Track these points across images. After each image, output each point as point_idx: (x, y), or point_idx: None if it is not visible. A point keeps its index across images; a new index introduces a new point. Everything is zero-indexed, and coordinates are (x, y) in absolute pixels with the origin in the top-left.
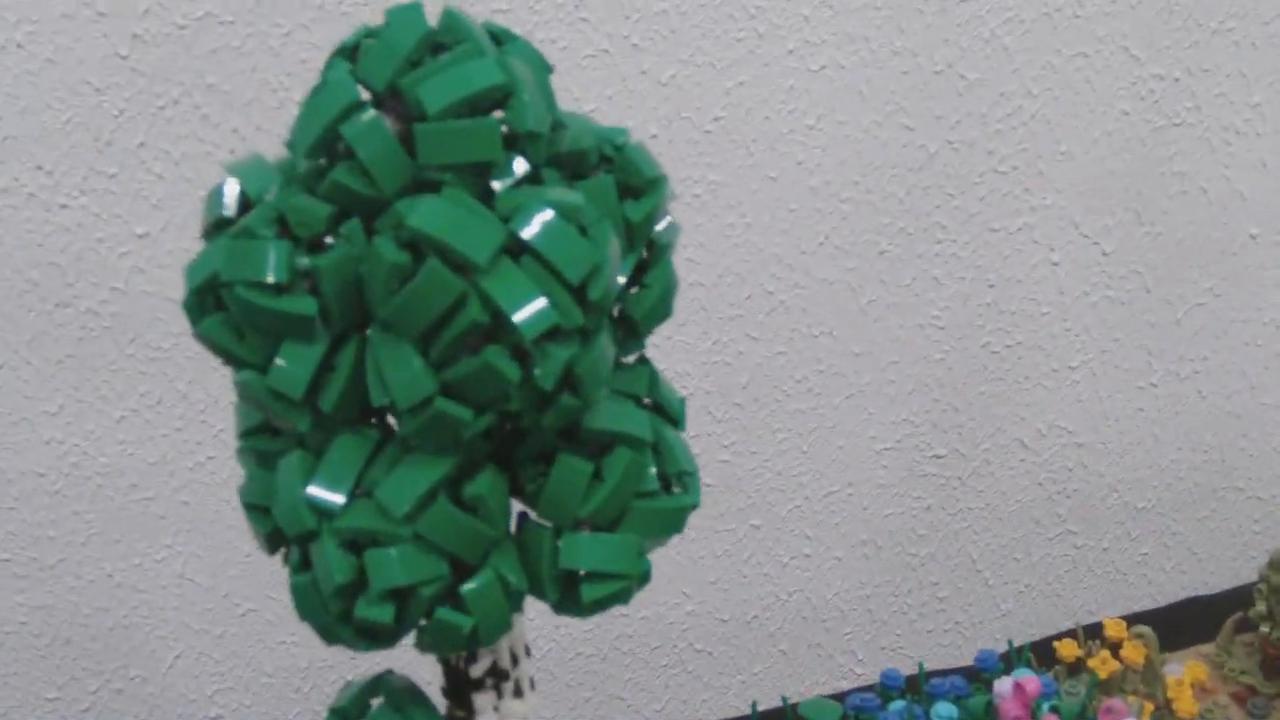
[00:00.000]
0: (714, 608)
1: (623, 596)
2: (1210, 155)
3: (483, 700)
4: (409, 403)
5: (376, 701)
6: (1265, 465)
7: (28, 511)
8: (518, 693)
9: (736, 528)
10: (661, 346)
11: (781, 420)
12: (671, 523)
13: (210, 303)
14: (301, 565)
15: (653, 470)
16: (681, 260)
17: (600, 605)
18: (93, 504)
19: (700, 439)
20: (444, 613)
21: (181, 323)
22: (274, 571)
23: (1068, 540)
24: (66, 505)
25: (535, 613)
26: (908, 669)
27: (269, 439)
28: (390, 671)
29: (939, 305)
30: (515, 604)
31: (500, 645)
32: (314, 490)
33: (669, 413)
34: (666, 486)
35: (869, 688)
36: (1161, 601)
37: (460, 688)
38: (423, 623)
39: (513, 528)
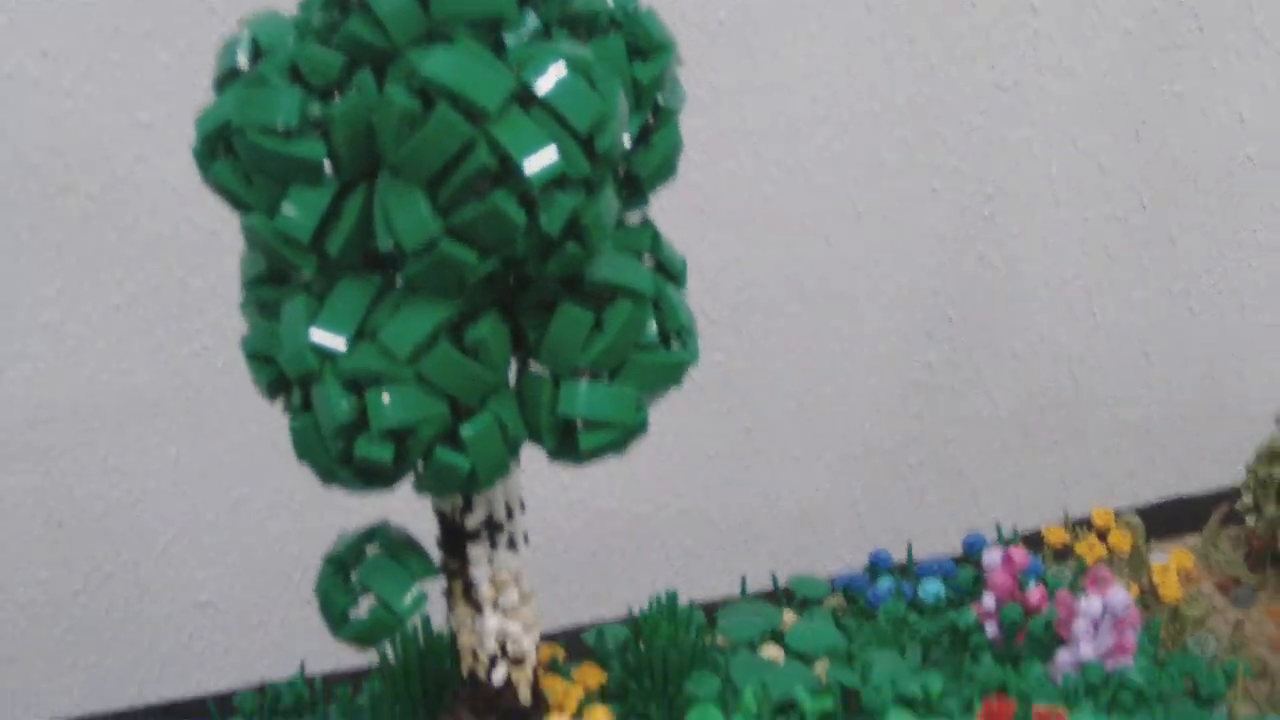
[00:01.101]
0: (704, 508)
1: (619, 446)
2: (1211, 77)
3: (477, 552)
4: (415, 244)
5: (372, 549)
6: (1255, 384)
7: (23, 395)
8: (511, 545)
9: (728, 430)
10: None
11: (776, 324)
12: (669, 376)
13: (220, 149)
14: (302, 408)
15: (653, 325)
16: (681, 161)
17: (596, 453)
18: (89, 389)
19: None
20: (443, 453)
21: (182, 210)
22: (265, 459)
23: (1057, 452)
24: (62, 389)
25: (528, 508)
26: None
27: (273, 288)
28: (386, 522)
29: (936, 215)
30: (513, 449)
31: (496, 497)
32: (317, 332)
33: (670, 271)
34: (666, 341)
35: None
36: (1151, 500)
37: (455, 539)
38: (421, 464)
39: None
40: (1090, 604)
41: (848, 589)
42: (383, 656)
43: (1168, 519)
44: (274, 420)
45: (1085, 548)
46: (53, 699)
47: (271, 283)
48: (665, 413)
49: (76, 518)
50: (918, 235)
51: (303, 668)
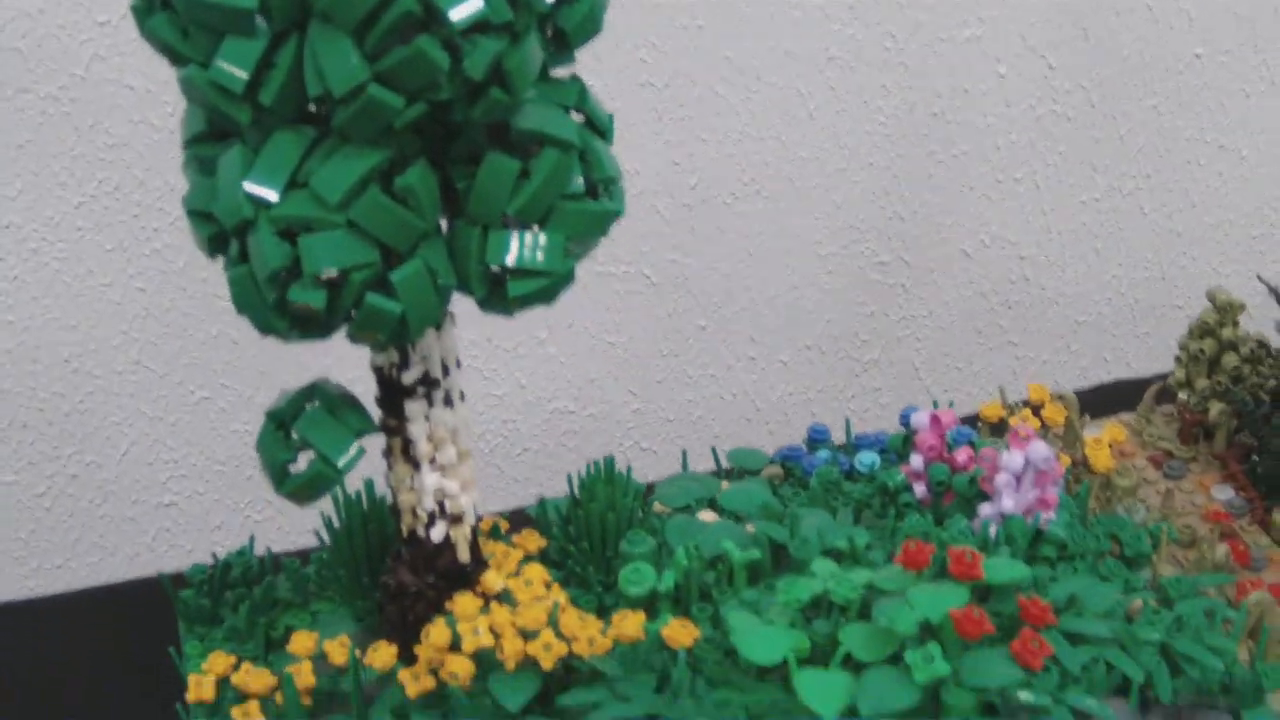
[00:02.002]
0: (660, 407)
1: (547, 295)
2: None
3: (414, 408)
4: (343, 89)
5: (311, 406)
6: (1205, 283)
7: None
8: (448, 403)
9: (683, 328)
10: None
11: (729, 222)
12: (596, 225)
13: (158, 2)
14: (239, 258)
15: (579, 175)
16: (633, 60)
17: (525, 302)
18: (49, 289)
19: (648, 238)
20: (374, 299)
21: (141, 110)
22: (226, 361)
23: (1009, 351)
24: (24, 290)
25: (484, 407)
26: None
27: (212, 145)
28: (325, 379)
29: (886, 113)
30: (444, 297)
31: (431, 354)
32: (251, 183)
33: (597, 125)
34: (593, 192)
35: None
36: (1092, 383)
37: (393, 396)
38: (353, 311)
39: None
40: (1012, 458)
41: (785, 461)
42: (327, 523)
43: (1107, 400)
44: (234, 321)
45: (1019, 421)
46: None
47: (211, 140)
48: (620, 311)
49: (40, 420)
50: (868, 134)
51: (252, 540)
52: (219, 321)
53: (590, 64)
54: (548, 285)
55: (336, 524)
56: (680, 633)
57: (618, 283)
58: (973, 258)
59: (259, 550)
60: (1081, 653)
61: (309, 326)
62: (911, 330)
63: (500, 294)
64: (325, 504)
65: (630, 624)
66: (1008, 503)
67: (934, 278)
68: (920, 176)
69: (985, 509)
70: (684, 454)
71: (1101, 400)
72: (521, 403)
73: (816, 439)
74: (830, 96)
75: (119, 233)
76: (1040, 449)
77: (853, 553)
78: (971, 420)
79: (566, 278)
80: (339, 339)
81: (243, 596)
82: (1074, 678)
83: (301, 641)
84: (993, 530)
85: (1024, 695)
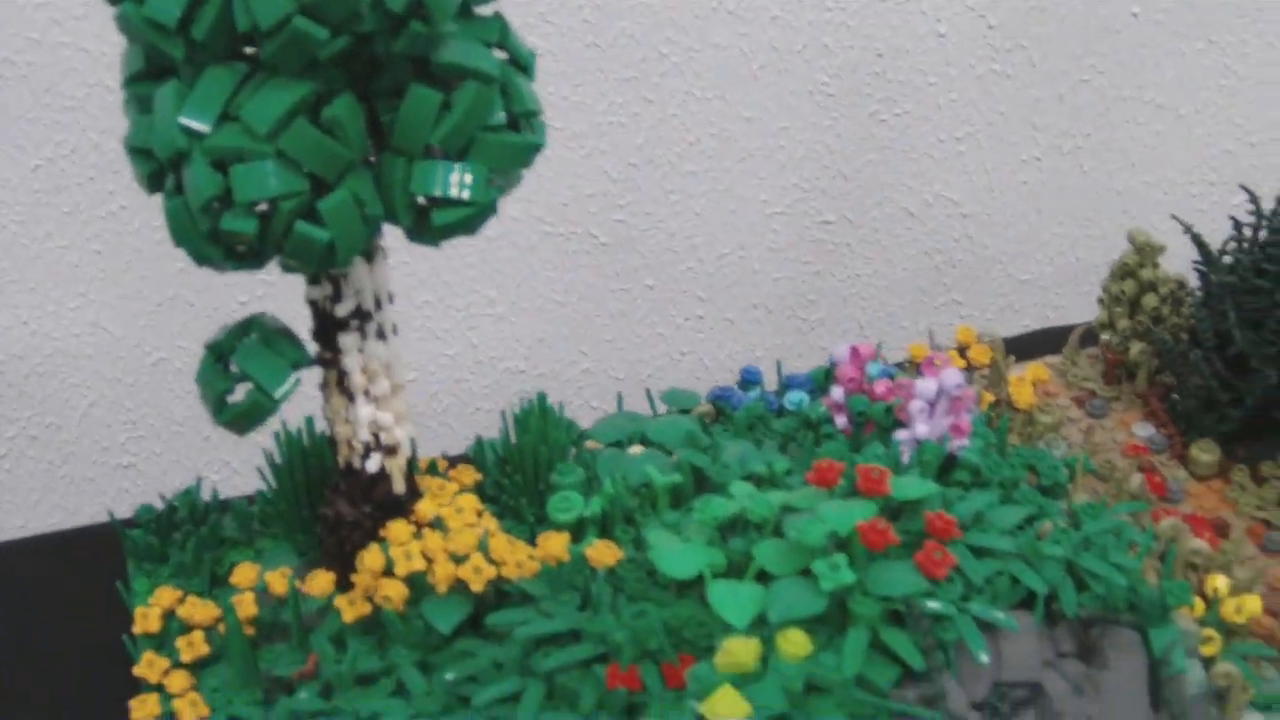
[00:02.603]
0: (609, 366)
1: (470, 224)
2: None
3: (348, 340)
4: (270, 22)
5: (249, 339)
6: (1176, 263)
7: None
8: (381, 336)
9: (632, 287)
10: (558, 106)
11: (675, 182)
12: (518, 157)
13: None
14: (176, 190)
15: (500, 109)
16: (578, 21)
17: (449, 230)
18: (8, 252)
19: (596, 199)
20: (303, 227)
21: (97, 74)
22: (183, 321)
23: (953, 310)
24: None
25: (436, 367)
26: None
27: (150, 84)
28: (263, 313)
29: (828, 73)
30: (371, 227)
31: (364, 288)
32: (185, 116)
33: (519, 61)
34: (514, 125)
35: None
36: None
37: (327, 329)
38: (284, 240)
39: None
40: (925, 385)
41: (716, 400)
42: (269, 459)
43: (1038, 345)
44: (190, 282)
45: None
46: None
47: (148, 79)
48: (569, 271)
49: None
50: (811, 94)
51: (199, 482)
52: (175, 284)
53: (536, 25)
54: (471, 215)
55: (279, 461)
56: (603, 553)
57: (566, 243)
58: (916, 216)
59: (206, 495)
60: (985, 565)
61: (242, 256)
62: (857, 289)
63: (426, 224)
64: (270, 444)
65: (555, 544)
66: (921, 428)
67: (878, 237)
68: (863, 136)
69: (901, 435)
70: (619, 396)
71: (1032, 345)
72: (473, 362)
73: (748, 380)
74: (773, 57)
75: (76, 195)
76: (952, 375)
77: (771, 477)
78: (902, 365)
79: (489, 208)
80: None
81: (189, 535)
82: (978, 589)
83: (244, 573)
84: (905, 455)
85: (931, 605)
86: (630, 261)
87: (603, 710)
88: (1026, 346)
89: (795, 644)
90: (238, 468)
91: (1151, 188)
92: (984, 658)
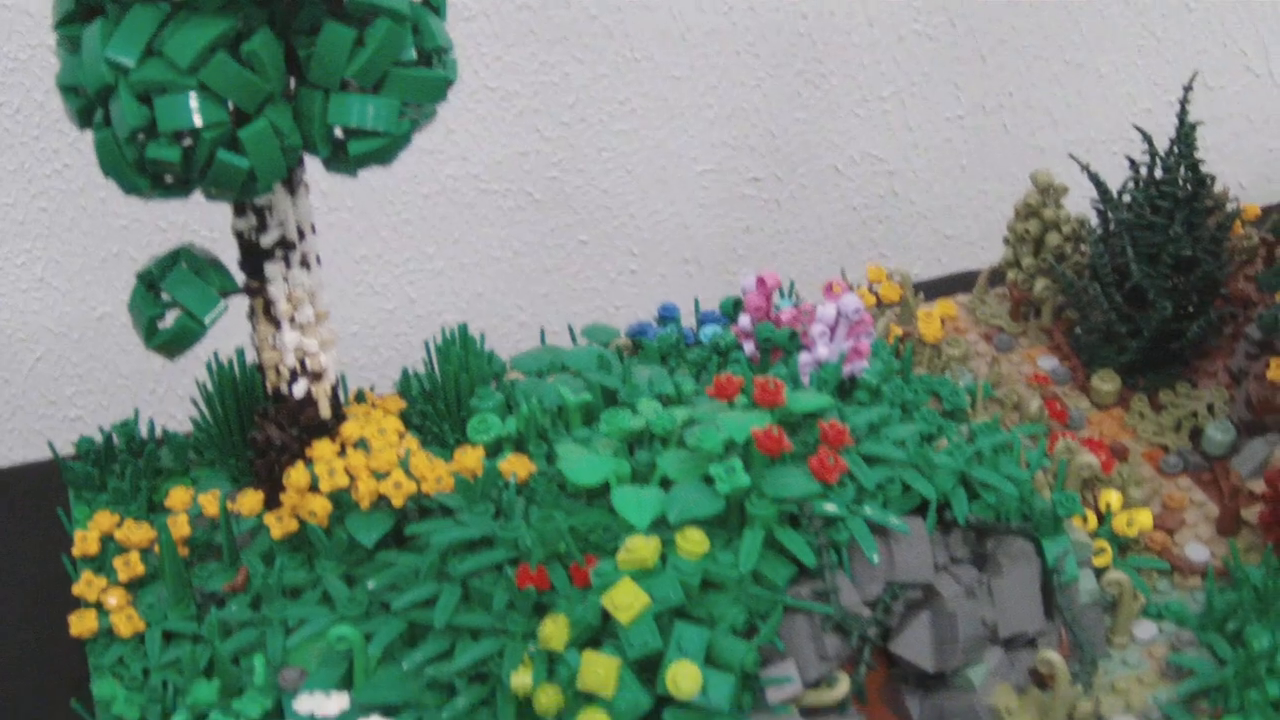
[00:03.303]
0: (545, 320)
1: (385, 154)
2: None
3: (273, 269)
4: None
5: (178, 267)
6: (1068, 201)
7: None
8: (305, 265)
9: (565, 243)
10: (491, 67)
11: (606, 140)
12: (429, 91)
13: None
14: (104, 123)
15: (412, 45)
16: None
17: (364, 160)
18: None
19: (529, 156)
20: (224, 155)
21: (39, 34)
22: (127, 278)
23: (881, 265)
24: None
25: (376, 321)
26: None
27: (80, 25)
28: (191, 243)
29: (755, 33)
30: (290, 156)
31: (287, 219)
32: (112, 52)
33: (431, 2)
34: (425, 61)
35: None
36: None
37: (253, 258)
38: (206, 168)
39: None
40: (825, 309)
41: (634, 334)
42: (201, 388)
43: (950, 287)
44: (133, 237)
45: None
46: None
47: (78, 20)
48: (505, 228)
49: None
50: (738, 54)
51: (136, 413)
52: (119, 239)
53: None
54: (385, 145)
55: (211, 390)
56: (516, 465)
57: (501, 200)
58: (843, 174)
59: (146, 430)
60: (877, 472)
61: (169, 186)
62: (785, 245)
63: (342, 154)
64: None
65: (470, 458)
66: (822, 351)
67: (806, 193)
68: (790, 95)
69: (802, 358)
70: (541, 331)
71: (948, 287)
72: (412, 316)
73: (666, 316)
74: (701, 18)
75: (21, 154)
76: (851, 300)
77: (679, 397)
78: None
79: (403, 139)
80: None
81: (127, 464)
82: (870, 494)
83: (178, 496)
84: (805, 376)
85: (824, 506)
86: (564, 218)
87: (513, 610)
88: (942, 288)
89: (693, 542)
90: (183, 420)
91: (1073, 145)
92: (875, 558)
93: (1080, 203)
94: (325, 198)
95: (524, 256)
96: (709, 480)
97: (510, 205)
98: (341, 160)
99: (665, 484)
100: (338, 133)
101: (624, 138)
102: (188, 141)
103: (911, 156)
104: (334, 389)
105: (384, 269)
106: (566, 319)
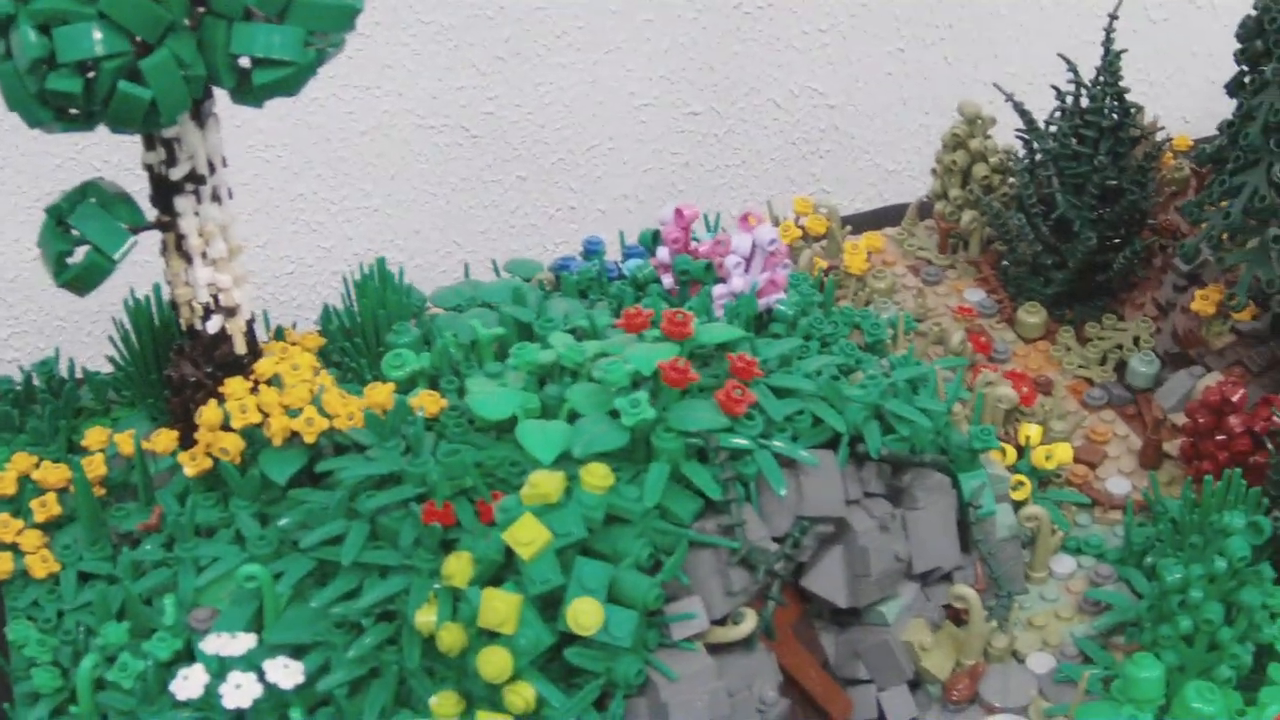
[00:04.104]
0: (484, 258)
1: (289, 84)
2: None
3: (183, 203)
4: None
5: (87, 202)
6: (1010, 134)
7: None
8: (216, 199)
9: (503, 179)
10: (425, 0)
11: (544, 75)
12: (336, 19)
13: None
14: (6, 54)
15: None
16: None
17: (269, 90)
18: None
19: (465, 92)
20: (126, 86)
21: None
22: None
23: (822, 200)
24: None
25: (314, 260)
26: None
27: None
28: (100, 177)
29: None
30: (194, 87)
31: (197, 152)
32: None
33: None
34: None
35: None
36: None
37: (164, 192)
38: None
39: None
40: (740, 240)
41: (556, 268)
42: (118, 326)
43: (882, 219)
44: (67, 180)
45: (781, 230)
46: None
47: None
48: (439, 163)
49: None
50: None
51: (57, 353)
52: (50, 182)
53: None
54: (290, 75)
55: (128, 329)
56: (426, 401)
57: (438, 136)
58: (782, 108)
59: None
60: (786, 405)
61: (73, 118)
62: (725, 179)
63: (247, 85)
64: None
65: (380, 393)
66: (737, 283)
67: (745, 128)
68: (728, 29)
69: (717, 290)
70: (465, 265)
71: (879, 220)
72: (350, 255)
73: (590, 250)
74: None
75: None
76: (765, 231)
77: (592, 330)
78: None
79: (308, 68)
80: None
81: (46, 404)
82: (779, 426)
83: (95, 436)
84: (719, 308)
85: (730, 440)
86: (501, 154)
87: (420, 547)
88: (876, 222)
89: (598, 477)
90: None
91: (1014, 78)
92: (783, 491)
93: (1011, 134)
94: (260, 135)
95: (461, 193)
96: (615, 414)
97: (446, 141)
98: (247, 91)
99: (573, 418)
100: (243, 62)
101: (560, 72)
102: (90, 73)
103: (852, 90)
104: (249, 325)
105: (320, 207)
106: (505, 256)
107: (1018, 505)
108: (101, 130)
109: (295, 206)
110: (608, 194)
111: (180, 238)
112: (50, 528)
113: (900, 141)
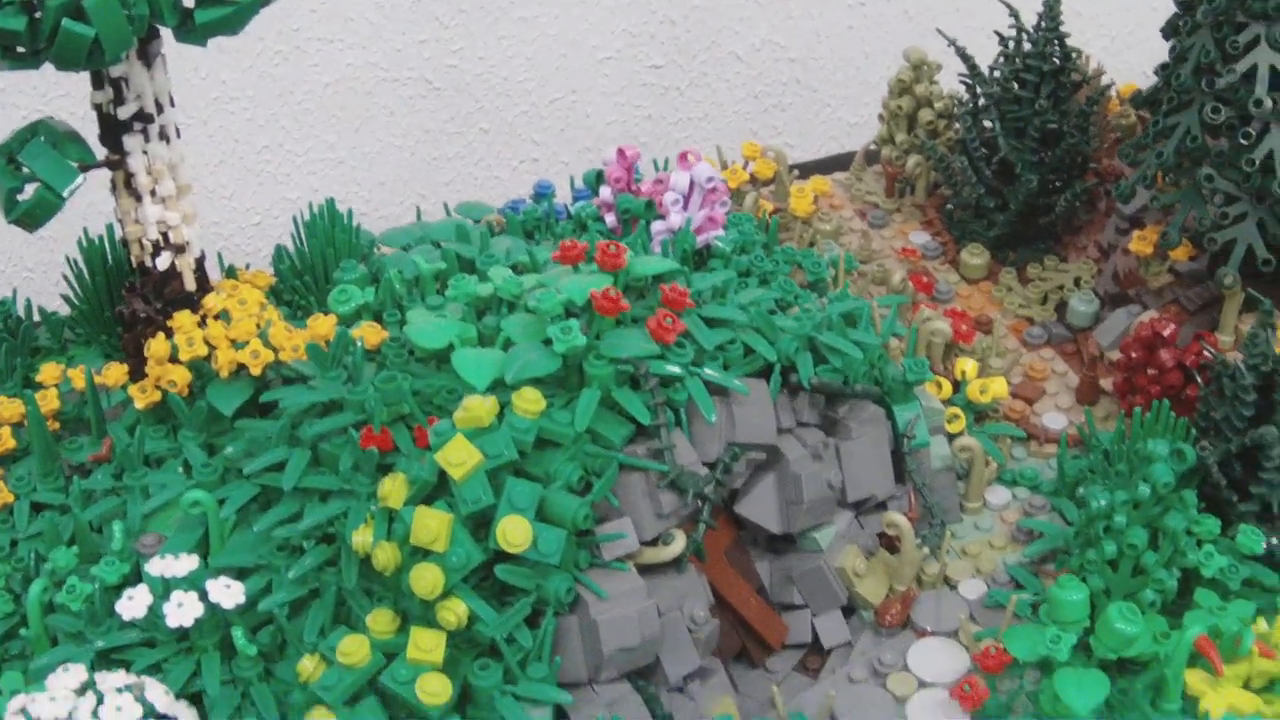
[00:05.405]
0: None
1: (232, 24)
2: None
3: (132, 142)
4: None
5: (37, 139)
6: (956, 81)
7: None
8: (164, 138)
9: (466, 131)
10: None
11: (506, 28)
12: None
13: None
14: None
15: None
16: None
17: (211, 29)
18: None
19: (429, 44)
20: (69, 24)
21: None
22: None
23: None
24: None
25: (279, 211)
26: None
27: None
28: (50, 116)
29: None
30: (138, 26)
31: (145, 91)
32: None
33: None
34: None
35: None
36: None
37: (112, 131)
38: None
39: None
40: (679, 177)
41: (505, 209)
42: (72, 264)
43: (834, 166)
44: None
45: (729, 174)
46: None
47: None
48: (402, 116)
49: None
50: None
51: (14, 293)
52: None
53: None
54: (232, 13)
55: (80, 264)
56: (368, 332)
57: (402, 88)
58: (744, 61)
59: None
60: (718, 334)
61: (19, 56)
62: (688, 133)
63: (190, 23)
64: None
65: (323, 325)
66: (676, 219)
67: (707, 81)
68: None
69: (656, 226)
70: (418, 209)
71: (830, 167)
72: (315, 207)
73: (541, 193)
74: None
75: None
76: (704, 169)
77: (533, 265)
78: None
79: (250, 7)
80: None
81: (3, 341)
82: (710, 355)
83: (49, 371)
84: (655, 245)
85: (661, 366)
86: (464, 106)
87: (359, 472)
88: (823, 168)
89: (529, 401)
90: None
91: (976, 31)
92: (712, 417)
93: (957, 79)
94: (224, 88)
95: (425, 145)
96: (549, 343)
97: (410, 94)
98: (190, 29)
99: (509, 348)
100: (186, 2)
101: (524, 25)
102: (35, 12)
103: (813, 44)
104: (198, 262)
105: (286, 159)
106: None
107: (953, 438)
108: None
109: (260, 159)
110: (571, 146)
111: (129, 176)
112: (5, 461)
113: (862, 95)
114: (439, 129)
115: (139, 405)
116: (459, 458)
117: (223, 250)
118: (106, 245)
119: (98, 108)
